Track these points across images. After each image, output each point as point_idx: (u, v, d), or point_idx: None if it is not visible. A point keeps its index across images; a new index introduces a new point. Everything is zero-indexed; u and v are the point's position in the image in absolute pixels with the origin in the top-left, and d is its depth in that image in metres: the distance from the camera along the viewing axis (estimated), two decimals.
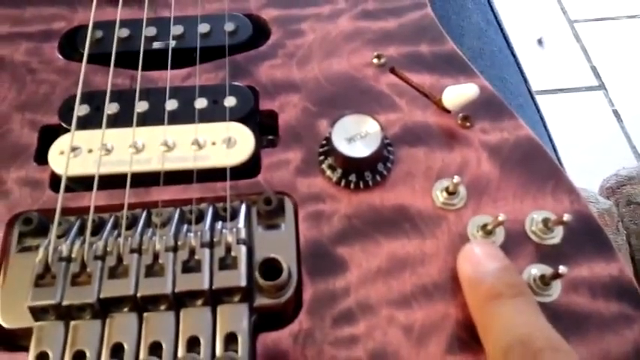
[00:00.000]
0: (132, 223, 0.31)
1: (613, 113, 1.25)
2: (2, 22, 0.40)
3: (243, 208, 0.32)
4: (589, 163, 1.04)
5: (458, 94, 0.33)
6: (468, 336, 0.28)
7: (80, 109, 0.35)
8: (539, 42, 1.35)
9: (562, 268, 0.27)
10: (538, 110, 0.52)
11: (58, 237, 0.31)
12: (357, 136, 0.32)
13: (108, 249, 0.29)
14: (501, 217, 0.29)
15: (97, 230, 0.31)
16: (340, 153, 0.31)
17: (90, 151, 0.33)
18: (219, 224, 0.31)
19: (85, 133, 0.34)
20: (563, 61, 1.34)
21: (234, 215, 0.32)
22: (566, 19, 1.42)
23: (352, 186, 0.32)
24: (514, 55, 0.55)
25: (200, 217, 0.31)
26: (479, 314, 0.27)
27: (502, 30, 0.56)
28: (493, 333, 0.26)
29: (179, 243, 0.30)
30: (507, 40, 0.55)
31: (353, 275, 0.30)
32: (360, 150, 0.31)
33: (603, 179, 0.68)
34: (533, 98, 0.52)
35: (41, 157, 0.34)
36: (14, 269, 0.30)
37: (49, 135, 0.35)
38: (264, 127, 0.36)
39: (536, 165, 0.33)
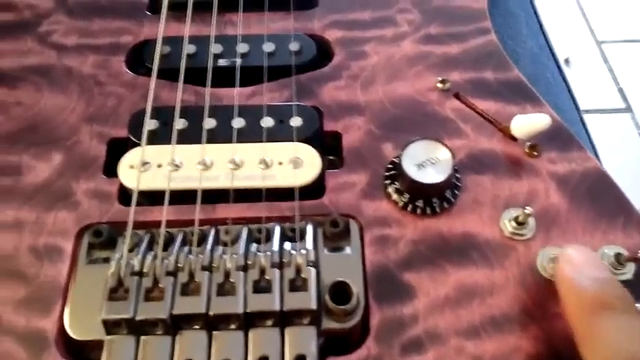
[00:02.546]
0: (200, 240, 0.31)
1: None
2: (71, 34, 0.41)
3: (311, 229, 0.32)
4: None
5: (529, 123, 0.33)
6: None
7: (149, 124, 0.35)
8: (566, 62, 1.34)
9: None
10: (589, 138, 0.52)
11: (128, 251, 0.31)
12: (427, 162, 0.32)
13: (179, 265, 0.30)
14: None
15: (166, 245, 0.31)
16: (410, 178, 0.31)
17: (159, 166, 0.34)
18: (287, 245, 0.31)
19: (154, 148, 0.34)
20: (589, 82, 1.32)
21: (301, 235, 0.32)
22: (593, 39, 1.41)
23: (419, 211, 0.32)
24: (566, 82, 0.54)
25: (267, 236, 0.32)
26: (581, 322, 0.25)
27: (554, 55, 0.56)
28: (600, 347, 0.24)
29: (249, 262, 0.30)
30: (559, 66, 0.55)
31: (421, 303, 0.30)
32: (431, 176, 0.31)
33: None
34: (585, 126, 0.52)
35: (109, 170, 0.35)
36: (83, 281, 0.31)
37: (116, 148, 0.36)
38: (325, 147, 0.36)
39: (605, 198, 0.33)
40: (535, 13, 0.59)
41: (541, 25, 0.58)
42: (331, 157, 0.36)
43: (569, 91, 0.54)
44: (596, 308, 0.25)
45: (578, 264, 0.27)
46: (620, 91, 1.30)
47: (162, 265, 0.30)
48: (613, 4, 1.44)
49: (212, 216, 0.33)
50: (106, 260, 0.31)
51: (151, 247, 0.31)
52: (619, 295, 0.26)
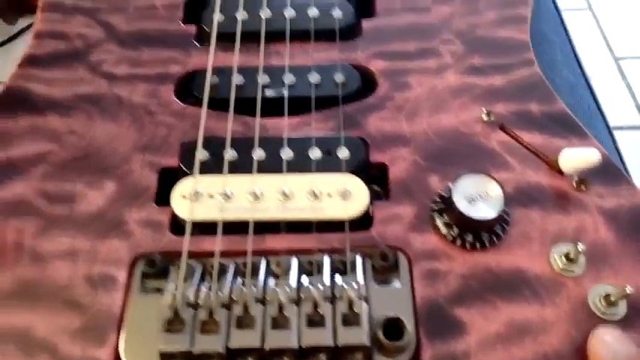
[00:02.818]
0: (252, 271, 0.32)
1: None
2: (121, 63, 0.42)
3: (360, 262, 0.32)
4: None
5: (578, 158, 0.33)
6: None
7: (200, 154, 0.36)
8: None
9: None
10: (626, 170, 0.51)
11: (182, 280, 0.32)
12: (478, 196, 0.32)
13: (234, 297, 0.30)
14: (629, 290, 0.29)
15: (218, 275, 0.32)
16: (461, 213, 0.32)
17: (211, 196, 0.34)
18: (338, 278, 0.31)
19: (206, 179, 0.35)
20: (608, 98, 1.31)
21: (351, 267, 0.32)
22: (611, 56, 1.40)
23: (468, 246, 0.33)
24: (602, 114, 0.54)
25: (317, 268, 0.32)
26: None
27: (589, 86, 0.55)
28: None
29: (302, 295, 0.30)
30: (595, 98, 0.55)
31: (472, 339, 0.30)
32: (483, 212, 0.32)
33: None
34: (621, 159, 0.51)
35: (160, 199, 0.35)
36: (137, 310, 0.31)
37: (166, 176, 0.37)
38: (370, 177, 0.36)
39: None
40: (569, 39, 0.59)
41: (575, 53, 0.58)
42: (376, 188, 0.37)
43: (606, 123, 0.54)
44: None
45: (612, 343, 0.28)
46: (639, 107, 1.29)
47: (216, 297, 0.30)
48: (631, 20, 1.43)
49: (262, 247, 0.33)
50: (159, 290, 0.32)
51: (203, 277, 0.32)
52: None
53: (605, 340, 0.28)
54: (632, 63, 1.38)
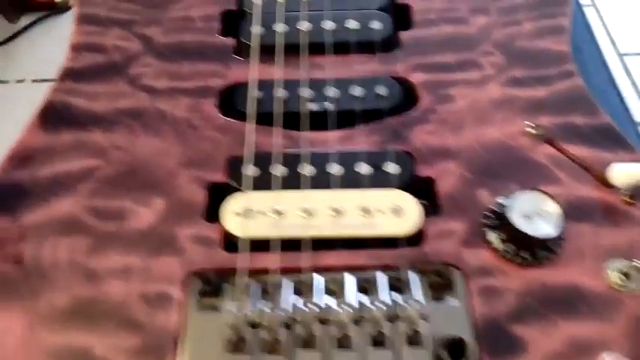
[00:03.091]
0: (307, 290, 0.32)
1: None
2: (161, 77, 0.42)
3: (417, 279, 0.32)
4: None
5: (631, 174, 0.33)
6: None
7: (249, 170, 0.36)
8: None
9: None
10: None
11: (237, 299, 0.32)
12: (534, 214, 0.32)
13: (295, 317, 0.30)
14: None
15: (274, 294, 0.32)
16: (519, 230, 0.32)
17: (262, 213, 0.34)
18: (397, 296, 0.31)
19: (256, 195, 0.35)
20: None
21: (405, 285, 0.32)
22: (615, 52, 1.40)
23: (522, 262, 0.33)
24: (633, 121, 0.54)
25: (374, 285, 0.32)
26: None
27: (619, 93, 0.56)
28: None
29: (363, 315, 0.30)
30: (624, 103, 0.55)
31: (533, 358, 0.30)
32: (542, 229, 0.32)
33: None
34: None
35: (209, 215, 0.35)
36: (195, 328, 0.31)
37: (215, 192, 0.36)
38: (417, 191, 0.36)
39: None
40: (596, 45, 0.59)
41: (604, 60, 0.58)
42: (423, 202, 0.37)
43: (636, 131, 0.54)
44: None
45: None
46: None
47: (277, 316, 0.30)
48: (635, 16, 1.44)
49: (316, 263, 0.33)
50: (214, 307, 0.32)
51: (261, 295, 0.32)
52: None
53: None
54: (636, 59, 1.38)
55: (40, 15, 1.45)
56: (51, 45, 1.43)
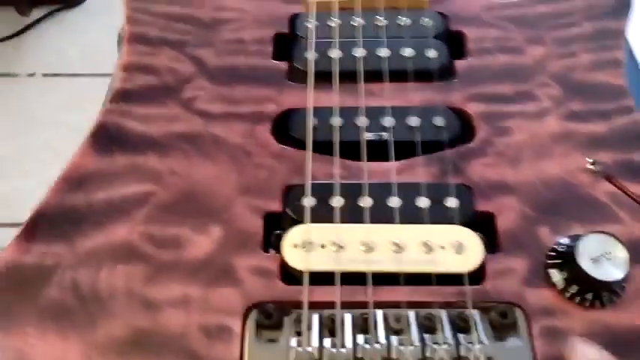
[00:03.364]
0: (368, 326, 0.32)
1: None
2: (214, 101, 0.41)
3: (479, 318, 0.32)
4: None
5: None
6: None
7: (306, 201, 0.36)
8: None
9: None
10: None
11: (297, 333, 0.32)
12: (602, 257, 0.32)
13: (358, 355, 0.30)
14: None
15: (334, 327, 0.32)
16: (586, 273, 0.31)
17: (322, 246, 0.34)
18: (460, 336, 0.31)
19: (316, 227, 0.35)
20: None
21: (468, 324, 0.32)
22: None
23: (586, 303, 0.32)
24: None
25: (435, 324, 0.32)
26: None
27: None
28: None
29: (427, 355, 0.30)
30: None
31: None
32: (610, 273, 0.31)
33: None
34: None
35: (266, 245, 0.35)
36: None
37: (269, 221, 0.36)
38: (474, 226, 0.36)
39: None
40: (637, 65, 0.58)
41: None
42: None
43: None
44: None
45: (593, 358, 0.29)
46: None
47: (340, 353, 0.30)
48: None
49: (376, 298, 0.33)
50: (274, 341, 0.32)
51: (321, 329, 0.32)
52: None
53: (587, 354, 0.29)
54: None
55: (52, 8, 1.46)
56: (62, 39, 1.44)
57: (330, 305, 0.32)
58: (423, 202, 0.36)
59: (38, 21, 1.47)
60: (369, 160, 0.38)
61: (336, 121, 0.39)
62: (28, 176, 1.21)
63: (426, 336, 0.31)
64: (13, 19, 1.44)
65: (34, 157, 1.24)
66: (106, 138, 0.40)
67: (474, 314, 0.32)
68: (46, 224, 0.36)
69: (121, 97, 0.42)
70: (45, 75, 1.37)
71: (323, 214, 0.35)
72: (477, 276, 0.34)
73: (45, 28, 1.46)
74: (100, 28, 1.45)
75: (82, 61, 1.40)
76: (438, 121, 0.40)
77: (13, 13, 1.45)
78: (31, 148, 1.25)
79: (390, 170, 0.38)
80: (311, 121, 0.39)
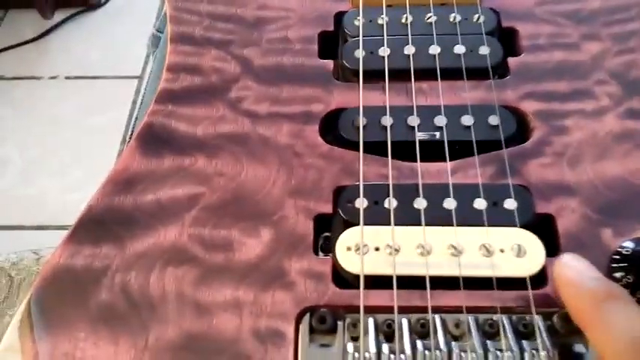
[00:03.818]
0: (427, 331, 0.31)
1: None
2: (261, 101, 0.41)
3: (542, 325, 0.31)
4: None
5: None
6: None
7: (359, 202, 0.35)
8: None
9: None
10: None
11: (352, 338, 0.31)
12: None
13: None
14: None
15: (390, 332, 0.31)
16: None
17: (377, 249, 0.33)
18: (524, 343, 0.30)
19: (370, 230, 0.34)
20: None
21: (531, 329, 0.30)
22: None
23: None
24: None
25: (497, 330, 0.30)
26: (591, 312, 0.28)
27: None
28: (614, 329, 0.26)
29: None
30: None
31: None
32: None
33: None
34: None
35: (316, 247, 0.34)
36: None
37: (319, 224, 0.35)
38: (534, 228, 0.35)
39: None
40: None
41: None
42: None
43: None
44: (607, 297, 0.28)
45: (577, 267, 0.30)
46: None
47: (398, 358, 0.29)
48: None
49: (434, 303, 0.32)
50: (325, 346, 0.31)
51: (377, 334, 0.31)
52: (622, 289, 0.28)
53: (570, 264, 0.30)
54: None
55: (74, 11, 1.48)
56: (83, 41, 1.45)
57: (386, 310, 0.32)
58: (479, 203, 0.35)
59: (60, 24, 1.49)
60: (421, 161, 0.37)
61: (388, 120, 0.38)
62: (52, 178, 1.23)
63: (488, 342, 0.30)
64: (35, 22, 1.46)
65: (57, 160, 1.25)
66: (152, 139, 0.39)
67: (537, 320, 0.31)
68: (94, 226, 0.36)
69: (167, 97, 0.41)
70: (67, 77, 1.39)
71: (376, 216, 0.34)
72: (539, 280, 0.33)
73: (67, 31, 1.48)
74: (121, 31, 1.46)
75: (103, 64, 1.41)
76: (493, 120, 0.38)
77: (36, 16, 1.47)
78: (53, 150, 1.27)
79: (444, 171, 0.37)
80: (359, 120, 0.38)
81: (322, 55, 0.43)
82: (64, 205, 1.15)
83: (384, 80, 0.40)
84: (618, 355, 0.26)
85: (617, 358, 0.26)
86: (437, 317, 0.31)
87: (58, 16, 1.49)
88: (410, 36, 0.42)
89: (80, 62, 1.43)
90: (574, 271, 0.30)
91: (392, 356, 0.29)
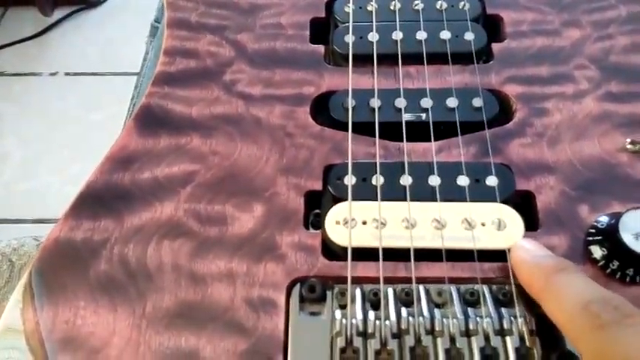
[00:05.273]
0: (411, 299, 0.32)
1: None
2: (255, 83, 0.42)
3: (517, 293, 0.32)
4: None
5: None
6: None
7: (348, 179, 0.36)
8: None
9: None
10: None
11: (340, 306, 0.32)
12: None
13: (403, 327, 0.30)
14: None
15: (377, 302, 0.32)
16: (628, 248, 0.32)
17: (364, 222, 0.35)
18: (503, 310, 0.31)
19: (358, 205, 0.35)
20: None
21: (506, 297, 0.32)
22: None
23: (627, 279, 0.33)
24: None
25: (478, 299, 0.32)
26: (545, 283, 0.30)
27: None
28: (566, 297, 0.28)
29: (471, 328, 0.30)
30: None
31: None
32: None
33: None
34: None
35: (306, 222, 0.36)
36: (300, 335, 0.32)
37: (311, 200, 0.37)
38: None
39: None
40: None
41: None
42: None
43: None
44: (556, 270, 0.30)
45: (528, 248, 0.32)
46: None
47: (385, 326, 0.30)
48: None
49: (417, 274, 0.33)
50: (315, 314, 0.32)
51: (364, 303, 0.32)
52: (568, 262, 0.31)
53: (524, 246, 0.33)
54: None
55: (73, 9, 1.49)
56: (83, 38, 1.46)
57: (372, 280, 0.33)
58: (462, 180, 0.36)
59: (60, 21, 1.50)
60: (408, 141, 0.39)
61: (375, 102, 0.40)
62: (51, 174, 1.23)
63: (469, 309, 0.31)
64: (35, 19, 1.47)
65: (57, 155, 1.26)
66: (149, 119, 0.41)
67: (514, 290, 0.32)
68: (93, 201, 0.37)
69: (163, 79, 0.43)
70: (67, 74, 1.40)
71: (364, 192, 0.36)
72: None
73: (67, 28, 1.49)
74: (120, 28, 1.47)
75: (102, 60, 1.42)
76: (477, 102, 0.40)
77: (36, 13, 1.48)
78: (53, 145, 1.28)
79: (429, 150, 0.38)
80: (349, 101, 0.40)
81: (314, 40, 0.45)
82: (64, 200, 1.16)
83: (373, 64, 0.42)
84: (571, 320, 0.28)
85: (571, 324, 0.28)
86: (421, 287, 0.33)
87: (58, 13, 1.50)
88: (398, 22, 0.43)
89: (80, 59, 1.44)
90: (526, 252, 0.32)
91: (377, 322, 0.31)
